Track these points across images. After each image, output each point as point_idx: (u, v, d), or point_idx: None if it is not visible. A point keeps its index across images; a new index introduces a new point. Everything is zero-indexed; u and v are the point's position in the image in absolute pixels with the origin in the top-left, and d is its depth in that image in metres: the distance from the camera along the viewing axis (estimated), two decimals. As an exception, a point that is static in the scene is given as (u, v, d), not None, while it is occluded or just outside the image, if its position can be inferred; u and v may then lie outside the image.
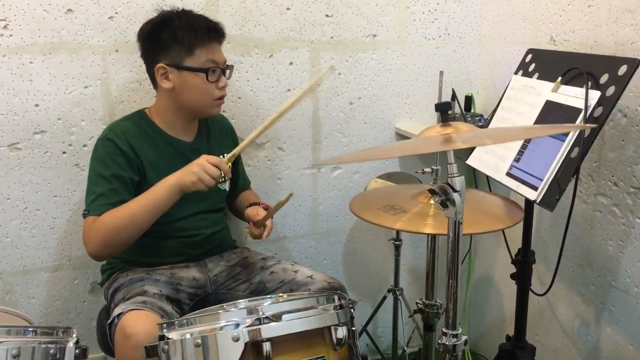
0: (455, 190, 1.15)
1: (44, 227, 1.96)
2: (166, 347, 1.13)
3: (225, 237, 1.92)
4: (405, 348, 2.25)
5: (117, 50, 1.92)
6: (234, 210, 2.03)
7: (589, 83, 1.51)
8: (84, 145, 1.93)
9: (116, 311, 1.51)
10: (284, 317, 1.17)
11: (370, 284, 2.41)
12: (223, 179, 1.85)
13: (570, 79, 1.61)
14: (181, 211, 1.73)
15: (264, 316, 1.15)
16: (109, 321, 1.52)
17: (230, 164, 1.64)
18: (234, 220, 2.12)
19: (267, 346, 1.13)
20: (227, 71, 1.75)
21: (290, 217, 2.25)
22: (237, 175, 2.00)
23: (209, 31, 1.69)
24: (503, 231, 1.94)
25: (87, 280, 2.04)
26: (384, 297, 2.27)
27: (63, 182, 1.95)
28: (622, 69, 1.47)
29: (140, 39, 1.74)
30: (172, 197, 1.59)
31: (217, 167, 1.58)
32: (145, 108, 1.80)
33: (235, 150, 1.68)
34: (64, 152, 1.93)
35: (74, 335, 1.14)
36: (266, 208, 1.86)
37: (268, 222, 1.76)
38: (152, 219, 1.60)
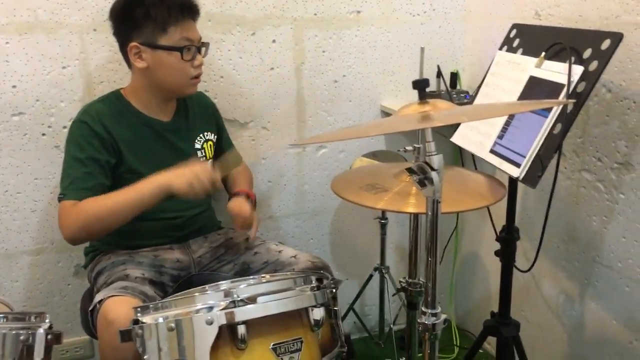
0: (433, 169, 1.14)
1: (25, 210, 1.94)
2: (140, 331, 1.12)
3: (209, 218, 1.91)
4: (391, 326, 2.26)
5: (94, 29, 1.88)
6: (226, 188, 2.00)
7: (572, 58, 1.49)
8: (64, 127, 1.90)
9: (97, 297, 1.49)
10: (259, 299, 1.16)
11: (357, 263, 2.40)
12: (204, 155, 1.84)
13: (554, 54, 1.59)
14: None
15: (239, 299, 1.14)
16: (90, 308, 1.51)
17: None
18: (220, 202, 2.11)
19: (241, 329, 1.12)
20: (203, 49, 1.72)
21: (276, 197, 2.24)
22: (223, 153, 1.97)
23: (183, 8, 1.64)
24: (488, 208, 1.93)
25: (71, 262, 2.03)
26: (371, 276, 2.27)
27: (43, 165, 1.92)
28: (605, 44, 1.45)
29: (112, 17, 1.70)
30: (158, 196, 1.56)
31: (210, 180, 1.56)
32: (121, 88, 1.77)
33: (227, 170, 1.74)
34: (43, 134, 1.91)
35: (47, 321, 1.13)
36: (248, 196, 1.84)
37: (253, 221, 1.77)
38: (135, 214, 1.58)
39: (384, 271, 2.24)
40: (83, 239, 1.65)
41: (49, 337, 1.11)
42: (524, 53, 1.72)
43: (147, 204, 1.57)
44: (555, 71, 1.55)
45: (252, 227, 1.77)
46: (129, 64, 1.71)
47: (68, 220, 1.58)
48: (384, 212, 2.20)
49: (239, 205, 1.79)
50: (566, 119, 1.46)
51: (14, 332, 1.07)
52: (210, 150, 1.86)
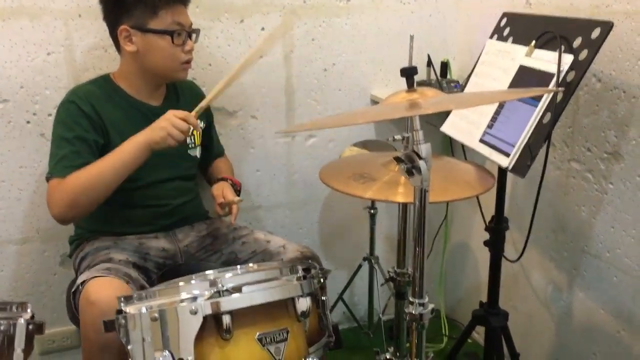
0: (420, 158, 1.13)
1: (10, 199, 1.91)
2: (123, 321, 1.10)
3: (196, 207, 1.89)
4: (380, 315, 2.26)
5: (80, 15, 1.85)
6: (208, 179, 2.00)
7: (562, 47, 1.48)
8: (49, 115, 1.88)
9: (80, 279, 1.48)
10: (245, 289, 1.15)
11: (346, 252, 2.40)
12: (192, 141, 1.81)
13: (544, 43, 1.58)
14: (149, 177, 1.69)
15: (224, 288, 1.13)
16: (72, 289, 1.49)
17: (197, 116, 1.60)
18: (207, 191, 2.09)
19: (226, 319, 1.11)
20: (194, 34, 1.69)
21: (265, 186, 2.23)
22: (211, 142, 1.96)
23: None
24: (478, 198, 1.92)
25: (57, 252, 2.01)
26: (360, 266, 2.26)
27: (28, 153, 1.90)
28: (595, 32, 1.44)
29: (101, 1, 1.67)
30: (140, 155, 1.54)
31: (185, 120, 1.54)
32: (110, 73, 1.75)
33: (203, 103, 1.63)
34: (28, 122, 1.88)
35: (29, 311, 1.11)
36: (234, 184, 1.82)
37: (234, 206, 1.74)
38: (120, 179, 1.55)
39: (373, 261, 2.24)
40: (72, 215, 1.60)
41: (31, 327, 1.10)
42: (514, 42, 1.71)
43: (131, 165, 1.54)
44: (545, 60, 1.54)
45: (233, 213, 1.75)
46: (119, 49, 1.69)
47: (55, 197, 1.55)
48: (373, 201, 2.19)
49: (221, 188, 1.78)
50: (556, 109, 1.45)
51: (-6, 322, 1.06)
52: (199, 137, 1.85)
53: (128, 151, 1.54)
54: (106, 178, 1.54)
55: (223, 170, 1.94)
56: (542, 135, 1.46)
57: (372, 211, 2.20)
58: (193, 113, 1.59)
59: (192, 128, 1.56)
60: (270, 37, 1.61)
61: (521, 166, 1.48)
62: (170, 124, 1.52)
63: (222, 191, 1.76)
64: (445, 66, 2.23)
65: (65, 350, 2.09)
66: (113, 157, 1.55)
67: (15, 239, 1.95)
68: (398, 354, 1.74)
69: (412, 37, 1.65)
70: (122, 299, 1.13)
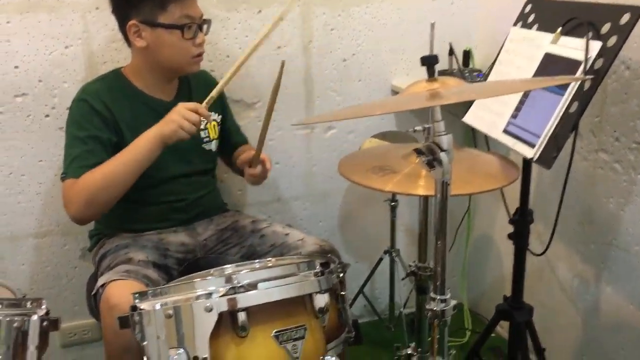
0: (442, 150, 1.09)
1: (30, 193, 1.92)
2: (138, 318, 1.09)
3: (214, 200, 1.87)
4: (402, 310, 2.22)
5: (97, 8, 1.84)
6: (234, 169, 1.96)
7: (590, 33, 1.43)
8: (67, 108, 1.86)
9: (100, 281, 1.47)
10: (260, 285, 1.12)
11: (367, 246, 2.37)
12: (207, 135, 1.79)
13: (571, 30, 1.52)
14: (163, 174, 1.68)
15: (239, 285, 1.11)
16: (93, 292, 1.49)
17: (208, 107, 1.59)
18: (226, 183, 2.07)
19: (242, 316, 1.09)
20: (205, 26, 1.66)
21: (284, 178, 2.20)
22: (229, 133, 1.93)
23: None
24: (501, 190, 1.88)
25: (77, 245, 2.01)
26: (381, 259, 2.23)
27: (47, 146, 1.90)
28: (625, 18, 1.38)
29: None
30: (153, 150, 1.53)
31: (195, 111, 1.52)
32: (121, 67, 1.73)
33: (213, 93, 1.61)
34: (47, 115, 1.88)
35: (43, 307, 1.10)
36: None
37: (263, 156, 1.70)
38: (135, 175, 1.54)
39: (394, 254, 2.21)
40: (89, 215, 1.60)
41: (45, 323, 1.09)
42: (539, 29, 1.65)
43: (143, 161, 1.53)
44: (572, 47, 1.48)
45: (264, 160, 1.75)
46: (129, 43, 1.67)
47: (71, 198, 1.55)
48: (394, 194, 2.15)
49: (245, 152, 1.82)
50: (583, 97, 1.40)
51: (8, 318, 1.05)
52: (215, 130, 1.82)
53: (141, 147, 1.53)
54: (120, 175, 1.53)
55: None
56: (568, 125, 1.41)
57: (392, 203, 2.16)
58: (204, 104, 1.57)
59: (204, 119, 1.54)
60: (276, 20, 1.59)
61: (547, 157, 1.43)
62: (181, 116, 1.51)
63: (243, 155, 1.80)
64: (467, 55, 2.17)
65: (86, 343, 2.11)
66: (126, 154, 1.54)
67: (36, 232, 1.96)
68: (420, 349, 1.70)
69: (432, 25, 1.60)
70: (137, 295, 1.11)
